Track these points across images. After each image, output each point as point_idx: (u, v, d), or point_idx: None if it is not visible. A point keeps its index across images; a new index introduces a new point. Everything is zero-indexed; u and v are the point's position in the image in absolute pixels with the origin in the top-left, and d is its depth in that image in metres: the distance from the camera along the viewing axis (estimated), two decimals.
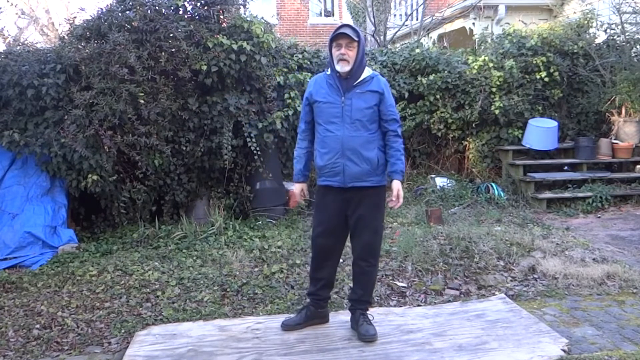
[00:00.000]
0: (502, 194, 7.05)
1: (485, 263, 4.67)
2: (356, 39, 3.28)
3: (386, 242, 5.22)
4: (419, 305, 4.04)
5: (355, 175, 3.31)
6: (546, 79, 7.57)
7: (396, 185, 3.36)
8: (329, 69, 3.42)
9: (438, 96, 7.45)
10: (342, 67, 3.28)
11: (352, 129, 3.29)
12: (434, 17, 11.76)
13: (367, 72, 3.39)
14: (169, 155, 5.84)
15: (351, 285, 3.83)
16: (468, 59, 7.65)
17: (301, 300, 4.07)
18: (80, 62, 5.49)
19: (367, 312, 3.53)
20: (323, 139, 3.37)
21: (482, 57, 7.51)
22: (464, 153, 7.89)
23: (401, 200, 3.36)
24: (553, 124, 7.47)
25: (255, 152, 6.05)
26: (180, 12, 5.93)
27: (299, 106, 6.25)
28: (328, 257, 3.51)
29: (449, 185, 7.27)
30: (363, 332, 3.39)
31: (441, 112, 7.46)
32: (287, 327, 3.54)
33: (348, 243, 3.58)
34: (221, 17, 6.06)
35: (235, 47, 5.84)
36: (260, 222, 6.08)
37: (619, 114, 7.69)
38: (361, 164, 3.29)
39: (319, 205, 3.48)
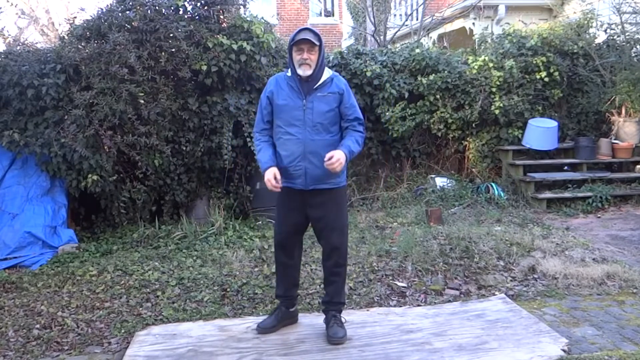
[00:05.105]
0: (502, 194, 7.05)
1: (485, 263, 4.67)
2: (317, 43, 3.23)
3: (386, 242, 5.22)
4: (419, 305, 4.04)
5: (317, 177, 3.29)
6: (546, 79, 7.56)
7: (339, 153, 3.17)
8: (289, 71, 3.36)
9: (438, 96, 7.44)
10: (304, 71, 3.25)
11: (313, 132, 3.26)
12: (434, 17, 11.75)
13: (327, 73, 3.34)
14: (169, 155, 5.85)
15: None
16: (468, 59, 7.64)
17: (301, 300, 4.07)
18: (80, 62, 5.49)
19: (340, 314, 3.49)
20: (284, 141, 3.31)
21: (482, 57, 7.50)
22: (464, 153, 7.88)
23: (335, 164, 3.13)
24: (553, 124, 7.46)
25: (255, 152, 6.05)
26: (180, 12, 5.93)
27: None
28: (292, 256, 3.53)
29: (449, 185, 7.27)
30: (331, 334, 3.37)
31: (441, 112, 7.45)
32: (263, 330, 3.51)
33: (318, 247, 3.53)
34: (221, 17, 6.06)
35: (235, 47, 5.85)
36: (260, 222, 6.08)
37: (619, 114, 7.69)
38: (323, 167, 3.22)
39: (281, 205, 3.46)
